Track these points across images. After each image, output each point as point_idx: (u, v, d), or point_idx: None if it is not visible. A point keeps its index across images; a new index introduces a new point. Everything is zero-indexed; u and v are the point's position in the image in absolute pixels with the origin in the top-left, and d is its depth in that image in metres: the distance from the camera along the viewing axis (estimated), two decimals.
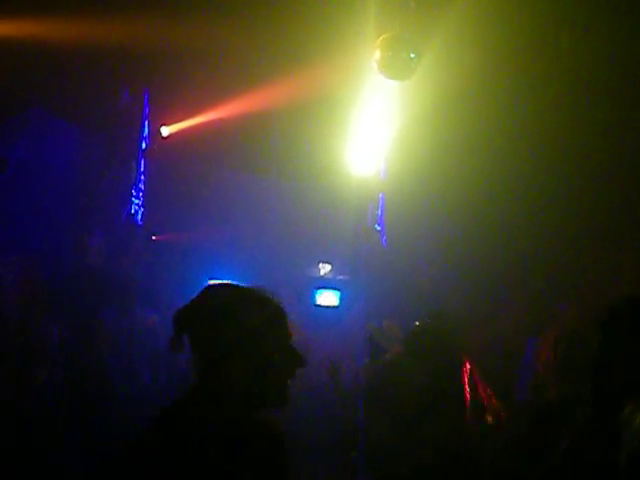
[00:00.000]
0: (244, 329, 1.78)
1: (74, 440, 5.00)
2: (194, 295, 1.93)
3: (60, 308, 5.74)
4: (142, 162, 9.36)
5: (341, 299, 8.99)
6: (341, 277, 9.48)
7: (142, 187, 9.20)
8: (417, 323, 5.40)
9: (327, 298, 8.98)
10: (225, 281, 1.98)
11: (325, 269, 9.93)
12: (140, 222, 9.03)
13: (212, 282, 2.00)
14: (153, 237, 9.14)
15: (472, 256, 8.03)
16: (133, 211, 8.96)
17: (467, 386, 5.00)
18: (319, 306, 8.95)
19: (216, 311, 1.83)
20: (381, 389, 5.30)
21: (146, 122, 9.46)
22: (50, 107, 8.05)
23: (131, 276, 7.53)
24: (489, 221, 8.05)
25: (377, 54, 6.83)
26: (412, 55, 6.80)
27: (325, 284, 9.25)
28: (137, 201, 9.07)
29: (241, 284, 1.96)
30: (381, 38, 6.82)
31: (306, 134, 8.69)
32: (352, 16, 6.87)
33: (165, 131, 9.38)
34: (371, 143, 8.31)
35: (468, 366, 5.08)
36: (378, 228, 9.28)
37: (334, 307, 8.95)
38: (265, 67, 8.18)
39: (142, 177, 9.26)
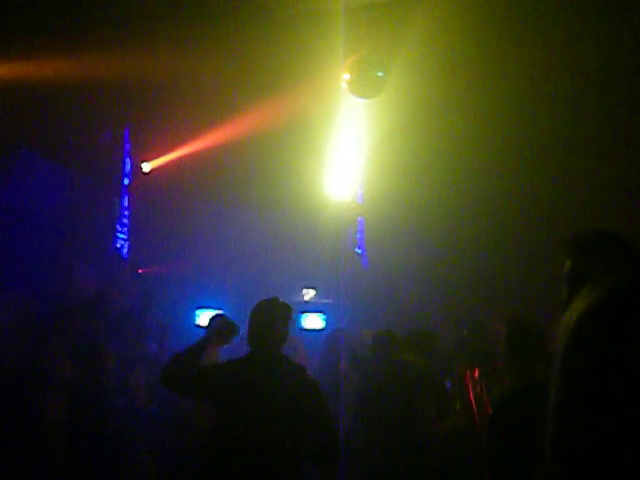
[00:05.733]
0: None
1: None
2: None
3: (61, 339, 5.89)
4: (125, 198, 9.59)
5: (327, 321, 9.16)
6: (326, 300, 9.64)
7: (126, 222, 9.42)
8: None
9: (312, 321, 9.15)
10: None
11: (309, 294, 10.11)
12: (126, 255, 9.23)
13: None
14: (139, 270, 9.29)
15: (451, 273, 8.25)
16: (119, 245, 9.16)
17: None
18: (304, 329, 9.10)
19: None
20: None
21: (127, 159, 9.72)
22: (35, 148, 8.26)
23: (122, 307, 7.68)
24: (467, 238, 8.26)
25: (346, 76, 7.13)
26: (380, 74, 7.11)
27: (309, 308, 9.41)
28: (122, 235, 9.28)
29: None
30: (349, 60, 7.12)
31: (283, 162, 8.92)
32: (319, 42, 7.17)
33: (146, 167, 9.62)
34: (346, 167, 8.58)
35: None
36: (359, 251, 9.54)
37: (320, 330, 9.11)
38: (239, 99, 8.41)
39: (126, 212, 9.48)
